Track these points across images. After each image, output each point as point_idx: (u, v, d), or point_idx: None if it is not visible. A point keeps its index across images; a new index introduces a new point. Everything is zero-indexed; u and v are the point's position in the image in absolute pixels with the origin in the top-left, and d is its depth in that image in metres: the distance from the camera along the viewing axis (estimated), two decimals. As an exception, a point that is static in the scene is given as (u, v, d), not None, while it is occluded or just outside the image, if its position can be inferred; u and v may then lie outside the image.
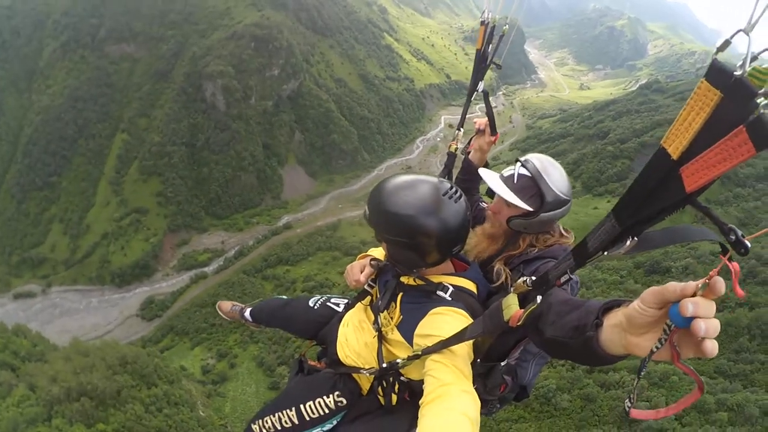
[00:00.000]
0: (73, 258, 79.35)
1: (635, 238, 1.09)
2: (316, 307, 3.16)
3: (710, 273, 0.91)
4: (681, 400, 1.14)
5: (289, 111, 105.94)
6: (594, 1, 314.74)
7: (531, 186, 2.46)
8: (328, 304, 3.16)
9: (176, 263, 77.59)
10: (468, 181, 3.31)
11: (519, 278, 1.92)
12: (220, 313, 4.01)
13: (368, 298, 2.65)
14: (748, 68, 0.79)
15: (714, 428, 29.60)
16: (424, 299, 2.21)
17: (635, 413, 1.26)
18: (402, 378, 2.30)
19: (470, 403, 1.65)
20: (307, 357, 2.99)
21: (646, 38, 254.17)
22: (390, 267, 2.48)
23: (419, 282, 2.27)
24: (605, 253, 1.16)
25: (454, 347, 1.87)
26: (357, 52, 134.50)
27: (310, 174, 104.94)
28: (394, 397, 2.36)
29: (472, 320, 1.96)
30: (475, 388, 2.08)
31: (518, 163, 2.57)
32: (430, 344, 1.93)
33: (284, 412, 2.59)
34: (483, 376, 2.39)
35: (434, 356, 1.88)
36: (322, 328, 3.03)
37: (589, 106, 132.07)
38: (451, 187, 2.14)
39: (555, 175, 2.49)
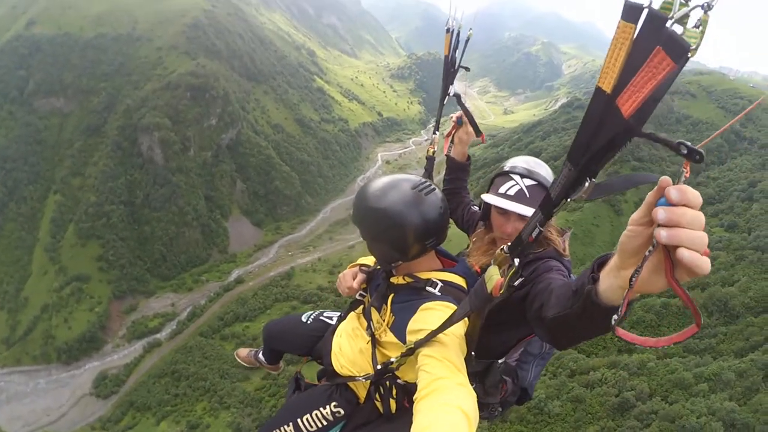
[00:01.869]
0: (14, 336, 73.84)
1: (592, 180, 1.16)
2: (308, 322, 3.22)
3: (683, 167, 0.99)
4: (679, 333, 1.13)
5: (229, 160, 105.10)
6: (508, 30, 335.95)
7: (541, 193, 2.46)
8: (321, 318, 3.22)
9: (126, 332, 73.60)
10: (455, 179, 3.49)
11: (518, 279, 2.51)
12: (238, 360, 4.13)
13: (361, 306, 2.72)
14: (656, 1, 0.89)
15: (699, 399, 32.59)
16: (413, 296, 2.28)
17: (622, 333, 1.18)
18: (399, 381, 2.34)
19: (466, 396, 1.66)
20: (303, 375, 3.06)
21: (560, 60, 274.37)
22: (380, 271, 2.58)
23: (408, 280, 2.35)
24: (568, 199, 1.24)
25: (446, 340, 1.93)
26: (291, 97, 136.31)
27: (256, 223, 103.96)
28: (393, 404, 2.41)
29: (461, 325, 2.04)
30: (475, 390, 2.22)
31: (517, 176, 2.57)
32: (421, 338, 1.97)
33: (281, 428, 2.64)
34: (481, 374, 2.53)
35: (426, 350, 1.93)
36: (317, 343, 3.06)
37: (516, 129, 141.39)
38: (424, 182, 2.28)
39: (549, 173, 2.60)
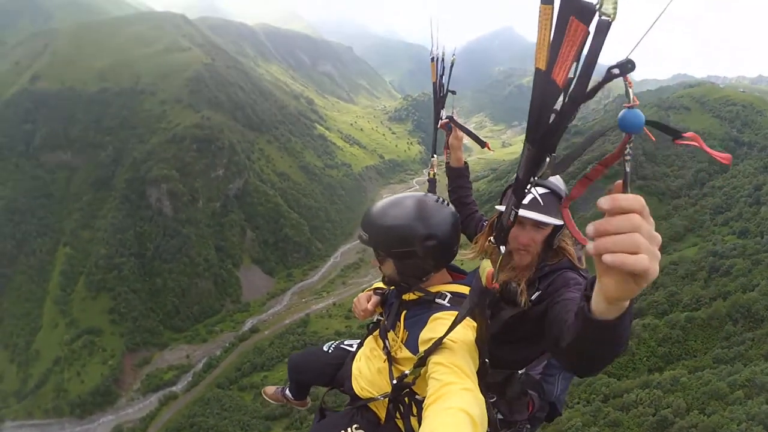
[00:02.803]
0: (25, 388, 72.07)
1: (552, 155, 1.24)
2: (330, 351, 3.26)
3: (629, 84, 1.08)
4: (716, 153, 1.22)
5: (237, 210, 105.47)
6: (498, 65, 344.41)
7: (555, 200, 2.52)
8: (342, 346, 3.26)
9: (140, 386, 71.83)
10: (458, 188, 3.52)
11: (534, 293, 2.36)
12: (266, 397, 4.11)
13: (378, 329, 2.72)
14: None
15: (737, 407, 32.49)
16: (424, 310, 2.31)
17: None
18: (417, 397, 2.32)
19: (471, 400, 1.66)
20: (327, 404, 3.04)
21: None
22: (392, 291, 2.63)
23: (419, 295, 2.38)
24: (535, 178, 1.30)
25: (454, 346, 1.95)
26: (294, 145, 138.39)
27: (267, 272, 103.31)
28: (414, 422, 2.37)
29: (470, 329, 2.07)
30: (498, 404, 2.40)
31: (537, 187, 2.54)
32: (430, 346, 1.99)
33: None
34: (501, 385, 2.52)
35: (435, 358, 1.94)
36: (339, 371, 3.09)
37: (516, 160, 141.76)
38: (438, 197, 2.41)
39: (561, 181, 2.63)
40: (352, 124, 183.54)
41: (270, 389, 4.06)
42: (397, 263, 2.34)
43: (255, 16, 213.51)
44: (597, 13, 0.96)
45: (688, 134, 1.10)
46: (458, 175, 3.55)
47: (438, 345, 1.93)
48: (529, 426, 2.73)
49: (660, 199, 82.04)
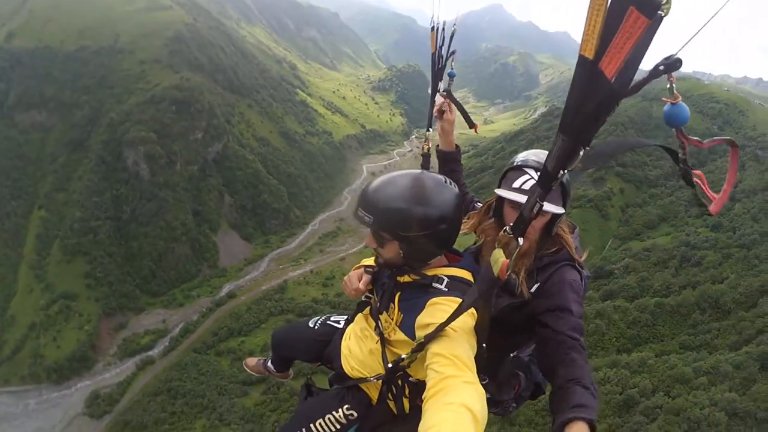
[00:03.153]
0: (1, 355, 71.44)
1: (586, 148, 1.24)
2: (316, 327, 3.18)
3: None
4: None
5: (216, 174, 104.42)
6: (486, 41, 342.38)
7: (557, 188, 2.45)
8: (329, 322, 3.18)
9: (117, 350, 72.03)
10: (449, 171, 3.41)
11: (534, 285, 2.41)
12: (247, 369, 4.06)
13: (368, 307, 2.70)
14: None
15: (700, 392, 34.47)
16: (420, 293, 2.28)
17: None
18: (411, 379, 2.36)
19: (472, 394, 1.67)
20: (314, 381, 3.06)
21: (537, 70, 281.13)
22: (385, 271, 2.58)
23: (414, 277, 2.35)
24: (565, 170, 1.32)
25: (454, 334, 1.96)
26: (275, 110, 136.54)
27: (245, 237, 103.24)
28: (406, 403, 2.42)
29: (471, 315, 2.08)
30: (488, 386, 2.40)
31: (531, 170, 2.49)
32: (430, 332, 1.99)
33: None
34: (493, 367, 2.54)
35: (434, 347, 1.94)
36: (326, 348, 3.04)
37: (498, 138, 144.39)
38: (443, 177, 2.33)
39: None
40: (334, 92, 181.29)
41: (251, 361, 4.01)
42: (403, 246, 2.26)
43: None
44: (661, 9, 0.94)
45: (697, 172, 1.13)
46: (450, 159, 3.47)
47: (438, 332, 1.96)
48: (514, 404, 2.83)
49: (637, 187, 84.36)
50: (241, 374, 65.83)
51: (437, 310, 2.09)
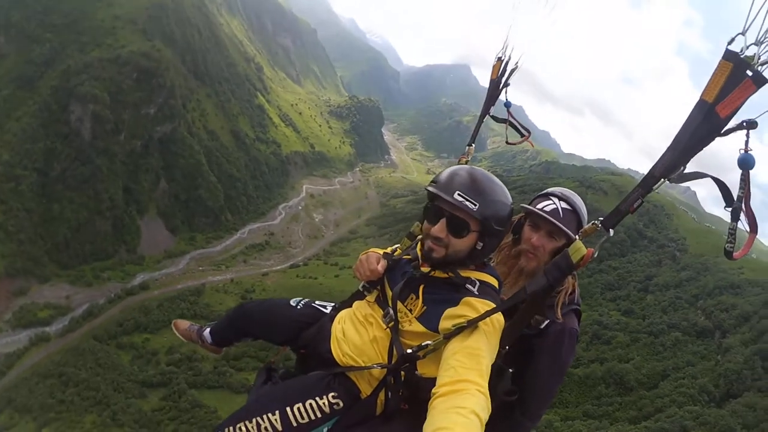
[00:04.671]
0: None
1: (685, 166, 1.68)
2: (299, 307, 2.96)
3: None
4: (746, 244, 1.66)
5: (157, 156, 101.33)
6: (445, 96, 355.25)
7: (574, 219, 2.73)
8: (313, 305, 2.99)
9: (11, 317, 66.31)
10: None
11: (543, 322, 2.59)
12: (175, 332, 3.62)
13: (373, 294, 2.65)
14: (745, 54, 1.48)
15: None
16: (452, 292, 2.28)
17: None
18: (416, 373, 2.27)
19: (483, 403, 1.69)
20: (277, 366, 2.93)
21: (487, 135, 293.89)
22: (406, 262, 2.59)
23: (450, 274, 2.33)
24: (666, 179, 1.72)
25: (486, 331, 2.04)
26: (232, 107, 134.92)
27: (171, 229, 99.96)
28: (398, 400, 2.34)
29: (503, 316, 2.18)
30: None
31: (555, 198, 2.80)
32: (463, 322, 2.04)
33: (265, 416, 2.35)
34: (493, 378, 2.29)
35: (458, 342, 2.00)
36: (305, 330, 2.82)
37: None
38: None
39: (582, 204, 2.85)
40: (292, 105, 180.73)
41: (183, 324, 3.60)
42: (482, 240, 2.29)
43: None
44: (765, 83, 1.47)
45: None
46: None
47: (472, 325, 2.03)
48: None
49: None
50: (141, 373, 62.96)
51: (472, 308, 2.12)
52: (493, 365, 2.02)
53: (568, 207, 2.74)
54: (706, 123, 1.58)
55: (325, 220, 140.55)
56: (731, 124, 1.56)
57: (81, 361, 61.75)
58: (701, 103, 1.58)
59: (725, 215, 1.64)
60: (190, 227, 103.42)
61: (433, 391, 1.77)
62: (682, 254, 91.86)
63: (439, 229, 2.24)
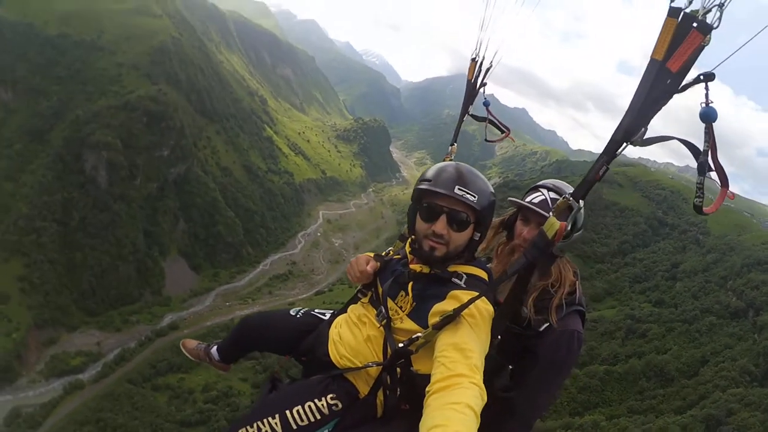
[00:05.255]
0: None
1: (646, 128, 1.68)
2: (298, 316, 3.03)
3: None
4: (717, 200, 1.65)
5: (174, 197, 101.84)
6: (448, 108, 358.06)
7: (566, 210, 2.43)
8: (312, 313, 3.05)
9: (44, 367, 66.03)
10: None
11: (543, 324, 2.51)
12: (184, 351, 3.71)
13: (367, 295, 2.70)
14: (688, 8, 1.51)
15: None
16: (439, 287, 2.33)
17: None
18: (411, 369, 2.28)
19: (477, 396, 1.71)
20: (282, 375, 2.94)
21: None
22: (396, 261, 2.68)
23: (435, 270, 2.39)
24: (628, 143, 1.72)
25: (472, 323, 2.04)
26: (241, 141, 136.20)
27: (194, 267, 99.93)
28: (397, 394, 2.34)
29: (490, 305, 2.17)
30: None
31: (544, 189, 2.78)
32: (450, 311, 2.06)
33: (265, 420, 2.38)
34: (491, 373, 2.38)
35: (446, 337, 2.01)
36: (305, 338, 2.87)
37: None
38: None
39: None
40: (300, 134, 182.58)
41: (190, 343, 3.67)
42: (478, 231, 2.41)
43: (227, 2, 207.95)
44: (710, 30, 1.48)
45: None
46: None
47: (457, 314, 2.04)
48: None
49: (584, 261, 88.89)
50: (179, 413, 62.20)
51: (458, 301, 2.14)
52: (492, 360, 2.13)
53: (557, 196, 2.66)
54: (660, 82, 1.59)
55: (344, 243, 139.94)
56: (688, 79, 1.57)
57: (117, 405, 61.01)
58: (652, 63, 1.59)
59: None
60: (212, 264, 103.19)
61: (426, 389, 1.79)
62: (705, 237, 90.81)
63: (441, 225, 2.31)
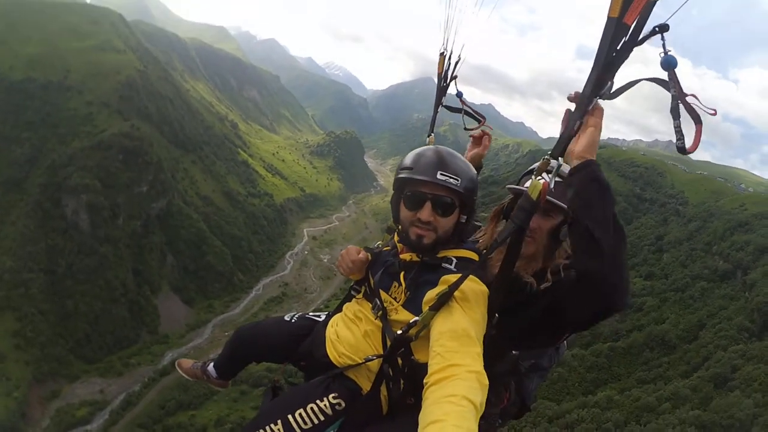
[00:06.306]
0: None
1: (612, 81, 1.76)
2: (293, 321, 2.98)
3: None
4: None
5: (158, 232, 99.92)
6: (417, 112, 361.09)
7: (565, 189, 2.35)
8: (307, 316, 3.01)
9: (50, 423, 63.35)
10: None
11: (544, 284, 2.38)
12: (180, 371, 3.62)
13: (362, 291, 2.68)
14: None
15: (667, 415, 39.35)
16: (430, 274, 2.31)
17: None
18: (412, 358, 2.24)
19: (475, 386, 1.67)
20: (282, 382, 2.90)
21: (465, 139, 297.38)
22: (386, 252, 2.67)
23: (423, 258, 2.37)
24: (598, 98, 1.80)
25: (465, 306, 2.03)
26: (218, 168, 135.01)
27: (186, 301, 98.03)
28: (400, 386, 2.30)
29: (483, 285, 2.16)
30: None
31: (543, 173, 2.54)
32: (445, 290, 2.06)
33: (267, 427, 2.31)
34: (492, 357, 2.24)
35: (440, 324, 1.99)
36: (302, 342, 2.82)
37: None
38: None
39: None
40: (274, 154, 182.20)
41: (186, 362, 3.59)
42: (464, 213, 2.39)
43: (187, 30, 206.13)
44: None
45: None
46: None
47: (451, 294, 2.03)
48: (500, 420, 2.77)
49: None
50: (195, 453, 60.83)
51: (449, 285, 2.11)
52: (493, 343, 2.08)
53: (559, 179, 2.32)
54: (618, 37, 1.66)
55: (333, 259, 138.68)
56: (645, 31, 1.64)
57: (132, 455, 59.45)
58: (609, 21, 1.66)
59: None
60: (205, 296, 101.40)
61: (424, 380, 1.77)
62: (685, 207, 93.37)
63: (427, 213, 2.28)
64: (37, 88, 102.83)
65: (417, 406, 1.80)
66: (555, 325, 2.26)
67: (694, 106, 1.62)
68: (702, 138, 1.60)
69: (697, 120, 1.65)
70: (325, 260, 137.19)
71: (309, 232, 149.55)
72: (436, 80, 3.80)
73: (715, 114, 1.63)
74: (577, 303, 2.02)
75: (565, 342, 2.81)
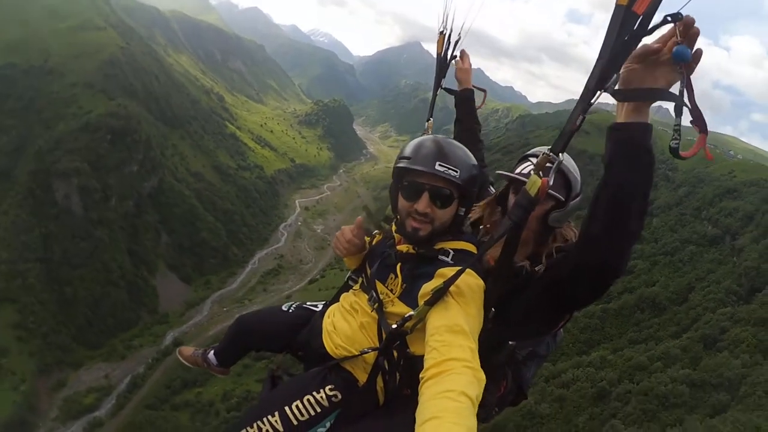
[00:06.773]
0: None
1: (619, 73, 1.64)
2: (290, 311, 2.98)
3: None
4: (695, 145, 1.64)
5: (151, 211, 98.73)
6: (404, 78, 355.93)
7: (559, 176, 2.46)
8: (305, 306, 3.00)
9: (59, 413, 63.42)
10: (464, 115, 3.83)
11: (539, 266, 2.38)
12: (181, 359, 3.63)
13: (358, 282, 2.64)
14: None
15: (658, 374, 40.39)
16: (426, 266, 2.26)
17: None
18: (408, 351, 2.22)
19: (472, 381, 1.64)
20: (280, 371, 2.85)
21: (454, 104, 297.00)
22: (382, 243, 2.60)
23: (419, 250, 2.32)
24: (602, 90, 1.68)
25: (461, 301, 1.97)
26: (207, 143, 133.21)
27: (184, 279, 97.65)
28: (396, 379, 2.29)
29: (480, 278, 2.11)
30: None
31: (534, 158, 2.56)
32: (440, 285, 1.98)
33: (265, 419, 2.30)
34: (487, 350, 2.18)
35: (435, 319, 1.93)
36: (299, 332, 2.80)
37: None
38: None
39: (572, 162, 2.59)
40: (262, 125, 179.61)
41: (187, 350, 3.59)
42: (462, 205, 2.33)
43: (167, 3, 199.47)
44: None
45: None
46: (463, 99, 3.80)
47: (446, 289, 1.96)
48: (497, 409, 2.73)
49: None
50: (205, 427, 61.29)
51: (445, 278, 2.02)
52: (489, 336, 2.07)
53: (550, 165, 2.27)
54: (626, 26, 1.55)
55: (326, 228, 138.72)
56: (655, 21, 1.54)
57: (143, 436, 59.87)
58: (618, 9, 1.55)
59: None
60: (201, 272, 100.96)
61: (420, 375, 1.74)
62: (674, 173, 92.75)
63: (424, 204, 2.24)
64: (19, 74, 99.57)
65: (413, 398, 1.78)
66: (553, 306, 2.20)
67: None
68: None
69: (703, 128, 1.59)
70: (319, 230, 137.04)
71: (301, 203, 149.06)
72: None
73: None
74: (578, 270, 1.96)
75: (561, 330, 2.74)
